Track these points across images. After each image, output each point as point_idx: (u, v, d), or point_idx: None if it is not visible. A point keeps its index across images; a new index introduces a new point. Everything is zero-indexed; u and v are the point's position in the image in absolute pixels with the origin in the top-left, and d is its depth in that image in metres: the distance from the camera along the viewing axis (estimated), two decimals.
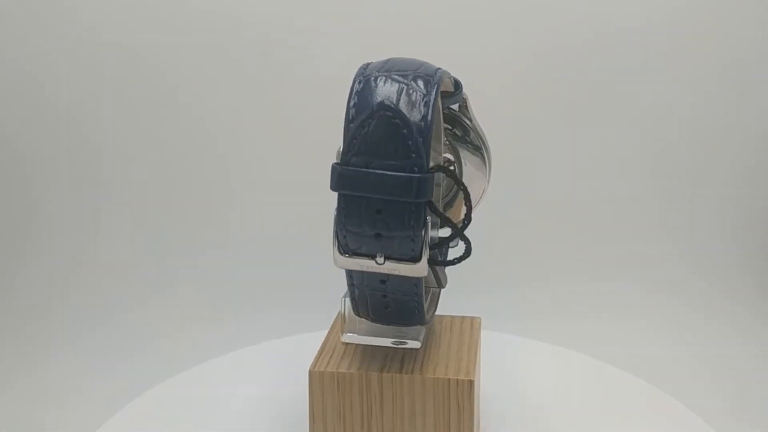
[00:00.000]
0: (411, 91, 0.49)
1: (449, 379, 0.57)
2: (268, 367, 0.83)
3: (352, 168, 0.48)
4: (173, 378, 0.81)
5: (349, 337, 0.61)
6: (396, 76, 0.50)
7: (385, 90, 0.49)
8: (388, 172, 0.47)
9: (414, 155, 0.47)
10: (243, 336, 0.89)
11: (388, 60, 0.52)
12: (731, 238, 0.99)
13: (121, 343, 0.90)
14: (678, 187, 1.03)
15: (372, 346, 0.61)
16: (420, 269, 0.51)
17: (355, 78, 0.50)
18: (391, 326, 0.60)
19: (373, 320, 0.58)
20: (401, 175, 0.47)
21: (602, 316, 0.90)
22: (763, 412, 0.73)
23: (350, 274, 0.53)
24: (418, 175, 0.47)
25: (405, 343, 0.60)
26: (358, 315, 0.59)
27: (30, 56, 1.05)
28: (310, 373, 0.58)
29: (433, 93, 0.49)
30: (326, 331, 0.65)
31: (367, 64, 0.52)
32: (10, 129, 1.05)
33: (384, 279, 0.53)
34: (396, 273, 0.51)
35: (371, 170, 0.48)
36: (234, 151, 1.07)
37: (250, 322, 0.92)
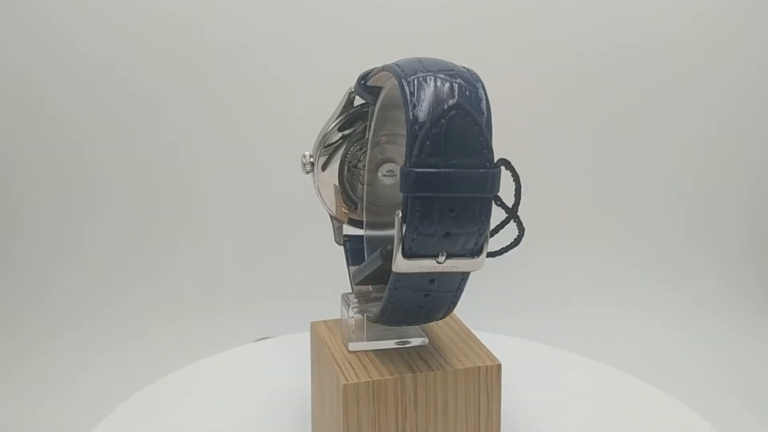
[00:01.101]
0: (464, 89, 0.49)
1: (479, 367, 0.58)
2: (262, 365, 0.81)
3: (431, 169, 0.48)
4: (169, 376, 0.78)
5: (356, 345, 0.60)
6: (442, 76, 0.50)
7: (444, 89, 0.49)
8: (467, 170, 0.48)
9: (486, 151, 0.48)
10: (237, 335, 0.87)
11: (419, 59, 0.52)
12: (731, 239, 1.06)
13: (118, 342, 0.90)
14: (678, 188, 1.08)
15: (378, 350, 0.60)
16: (480, 262, 0.52)
17: (399, 79, 0.50)
18: (391, 328, 0.60)
19: (396, 323, 0.58)
20: (478, 172, 0.48)
21: (602, 318, 0.93)
22: (763, 411, 0.77)
23: (398, 277, 0.53)
24: (491, 170, 0.48)
25: (408, 342, 0.61)
26: (378, 321, 0.58)
27: (21, 64, 1.04)
28: (345, 387, 0.56)
29: (481, 89, 0.50)
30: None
31: (396, 65, 0.52)
32: None
33: (433, 278, 0.53)
34: (454, 270, 0.52)
35: (449, 170, 0.48)
36: (230, 153, 1.08)
37: (243, 322, 0.91)
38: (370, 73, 0.59)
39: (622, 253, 1.08)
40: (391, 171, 0.64)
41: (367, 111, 0.63)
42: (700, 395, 0.76)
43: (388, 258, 0.53)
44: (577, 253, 1.09)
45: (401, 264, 0.50)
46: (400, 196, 0.62)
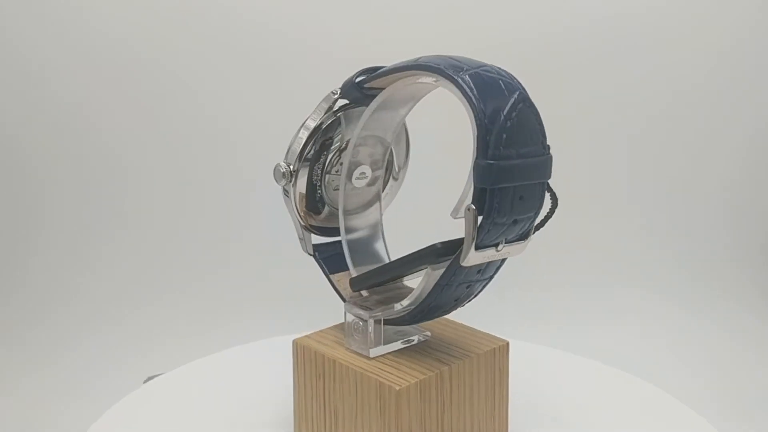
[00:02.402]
0: (510, 83, 0.52)
1: (494, 348, 0.61)
2: (255, 366, 0.79)
3: (510, 160, 0.49)
4: (163, 376, 0.78)
5: (377, 351, 0.59)
6: (484, 71, 0.52)
7: (497, 84, 0.51)
8: (533, 158, 0.51)
9: (543, 138, 0.52)
10: (229, 337, 0.89)
11: (449, 56, 0.53)
12: (730, 241, 1.04)
13: (111, 342, 0.94)
14: (674, 192, 1.05)
15: (394, 352, 0.60)
16: (526, 245, 0.55)
17: (452, 76, 0.51)
18: (392, 328, 0.61)
19: (421, 320, 0.58)
20: (542, 158, 0.51)
21: (603, 318, 0.90)
22: (763, 411, 0.77)
23: (453, 271, 0.53)
24: (548, 155, 0.52)
25: (413, 340, 0.61)
26: (401, 322, 0.58)
27: (35, 60, 1.06)
28: (399, 392, 0.55)
29: (517, 81, 0.53)
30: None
31: (434, 63, 0.52)
32: (13, 133, 1.06)
33: (481, 268, 0.55)
34: (506, 256, 0.54)
35: (523, 159, 0.50)
36: (229, 158, 1.11)
37: (234, 325, 0.94)
38: (372, 72, 0.58)
39: (623, 254, 1.08)
40: (363, 174, 0.63)
41: (338, 118, 0.61)
42: (700, 395, 0.77)
43: (444, 255, 0.53)
44: (577, 253, 1.07)
45: (471, 257, 0.51)
46: (369, 196, 0.63)
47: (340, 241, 0.66)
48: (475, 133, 0.50)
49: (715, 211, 1.09)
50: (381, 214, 0.66)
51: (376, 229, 0.66)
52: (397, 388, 0.55)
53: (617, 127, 1.15)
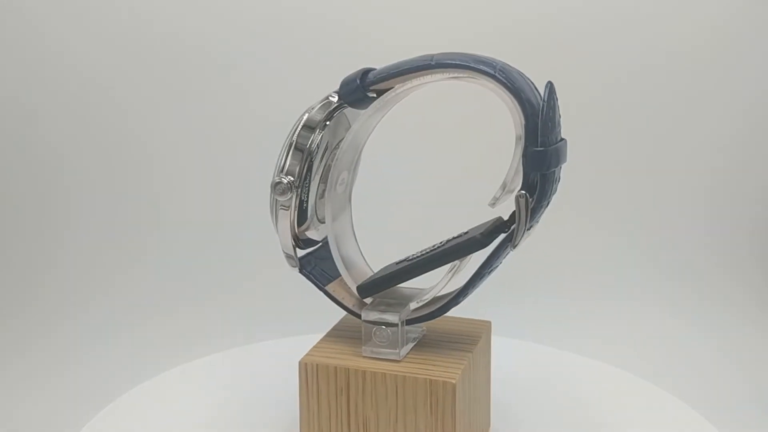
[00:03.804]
0: (524, 75, 0.56)
1: (486, 331, 0.65)
2: (252, 367, 0.80)
3: (554, 146, 0.54)
4: (159, 376, 0.79)
5: (404, 350, 0.59)
6: (507, 66, 0.55)
7: (523, 77, 0.55)
8: (560, 142, 0.55)
9: (560, 124, 0.57)
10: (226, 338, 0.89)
11: (462, 53, 0.55)
12: (737, 239, 1.01)
13: (107, 343, 0.93)
14: (678, 195, 1.02)
15: (411, 349, 0.61)
16: (538, 225, 0.59)
17: (490, 73, 0.53)
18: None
19: (436, 316, 0.60)
20: (564, 142, 0.56)
21: (602, 317, 0.87)
22: (765, 412, 0.77)
23: (496, 258, 0.56)
24: (564, 139, 0.57)
25: (417, 338, 0.63)
26: (434, 317, 0.59)
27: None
28: (455, 385, 0.56)
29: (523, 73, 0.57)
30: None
31: (461, 60, 0.54)
32: (14, 133, 1.09)
33: (504, 253, 0.58)
34: (530, 236, 0.58)
35: (557, 144, 0.55)
36: (228, 158, 1.11)
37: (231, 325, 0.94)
38: (378, 74, 0.56)
39: (623, 252, 1.05)
40: (343, 179, 0.62)
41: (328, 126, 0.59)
42: (701, 395, 0.76)
43: (484, 245, 0.56)
44: (576, 250, 1.03)
45: (522, 240, 0.55)
46: (343, 200, 0.63)
47: (314, 252, 0.64)
48: (523, 123, 0.53)
49: (713, 211, 1.09)
50: (351, 216, 0.65)
51: (351, 232, 0.65)
52: (453, 381, 0.55)
53: (616, 127, 1.12)
